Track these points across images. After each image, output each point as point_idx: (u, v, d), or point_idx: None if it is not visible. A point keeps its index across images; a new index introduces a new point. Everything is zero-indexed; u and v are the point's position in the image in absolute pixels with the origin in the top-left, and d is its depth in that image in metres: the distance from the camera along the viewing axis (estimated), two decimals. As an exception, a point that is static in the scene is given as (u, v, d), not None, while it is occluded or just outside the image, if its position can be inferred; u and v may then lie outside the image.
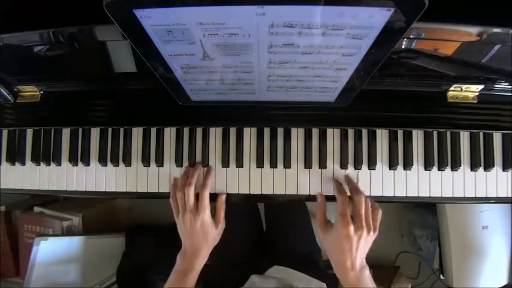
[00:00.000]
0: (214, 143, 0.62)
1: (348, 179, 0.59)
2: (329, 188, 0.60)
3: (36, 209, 0.99)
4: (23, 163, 0.66)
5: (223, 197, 0.60)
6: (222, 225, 0.60)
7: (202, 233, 0.56)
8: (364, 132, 0.61)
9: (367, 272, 0.52)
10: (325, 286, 0.64)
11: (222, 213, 0.60)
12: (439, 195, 0.60)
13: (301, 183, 0.61)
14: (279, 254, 0.75)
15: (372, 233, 0.52)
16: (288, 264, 0.68)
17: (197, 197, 0.57)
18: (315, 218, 0.58)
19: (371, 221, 0.52)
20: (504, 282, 0.94)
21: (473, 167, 0.61)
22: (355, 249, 0.51)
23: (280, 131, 0.62)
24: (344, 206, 0.53)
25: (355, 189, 0.55)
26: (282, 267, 0.68)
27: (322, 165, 0.61)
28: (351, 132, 0.61)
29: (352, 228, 0.51)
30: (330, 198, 0.59)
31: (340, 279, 0.53)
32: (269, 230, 0.85)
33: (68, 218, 0.95)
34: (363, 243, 0.51)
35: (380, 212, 0.54)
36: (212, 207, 0.59)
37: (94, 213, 1.05)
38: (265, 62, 0.42)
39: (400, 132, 0.61)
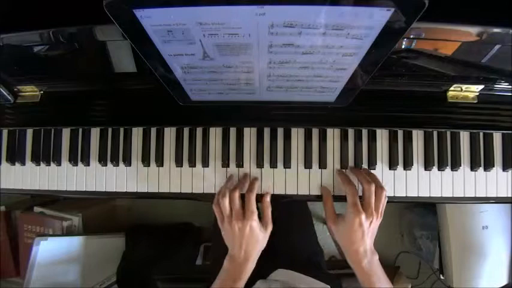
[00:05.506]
0: (214, 143, 0.62)
1: (354, 169, 0.60)
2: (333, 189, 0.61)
3: (36, 209, 0.99)
4: (23, 163, 0.66)
5: (268, 196, 0.59)
6: (270, 227, 0.58)
7: (253, 239, 0.55)
8: (364, 132, 0.61)
9: (376, 257, 0.54)
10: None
11: (268, 214, 0.58)
12: (439, 195, 0.61)
13: (301, 183, 0.61)
14: (281, 256, 0.74)
15: (379, 218, 0.54)
16: (291, 266, 0.68)
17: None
18: (325, 212, 0.58)
19: (380, 209, 0.54)
20: (504, 282, 0.94)
21: (473, 167, 0.61)
22: (366, 235, 0.53)
23: (280, 131, 0.62)
24: (354, 196, 0.54)
25: (365, 180, 0.56)
26: (285, 270, 0.67)
27: (322, 165, 0.61)
28: (351, 132, 0.61)
29: (363, 216, 0.53)
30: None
31: (353, 267, 0.55)
32: (270, 232, 0.84)
33: (68, 218, 0.95)
34: (372, 230, 0.54)
35: (385, 194, 0.55)
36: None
37: (94, 213, 1.05)
38: (265, 62, 0.42)
39: (400, 132, 0.61)
